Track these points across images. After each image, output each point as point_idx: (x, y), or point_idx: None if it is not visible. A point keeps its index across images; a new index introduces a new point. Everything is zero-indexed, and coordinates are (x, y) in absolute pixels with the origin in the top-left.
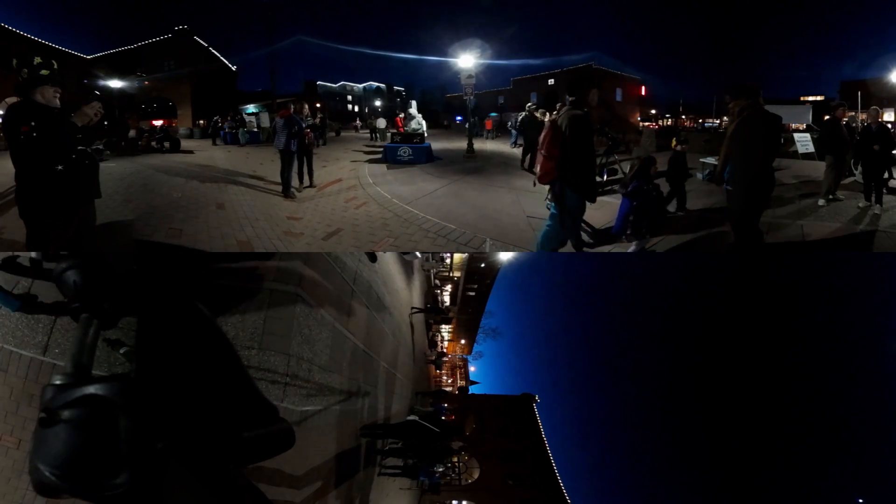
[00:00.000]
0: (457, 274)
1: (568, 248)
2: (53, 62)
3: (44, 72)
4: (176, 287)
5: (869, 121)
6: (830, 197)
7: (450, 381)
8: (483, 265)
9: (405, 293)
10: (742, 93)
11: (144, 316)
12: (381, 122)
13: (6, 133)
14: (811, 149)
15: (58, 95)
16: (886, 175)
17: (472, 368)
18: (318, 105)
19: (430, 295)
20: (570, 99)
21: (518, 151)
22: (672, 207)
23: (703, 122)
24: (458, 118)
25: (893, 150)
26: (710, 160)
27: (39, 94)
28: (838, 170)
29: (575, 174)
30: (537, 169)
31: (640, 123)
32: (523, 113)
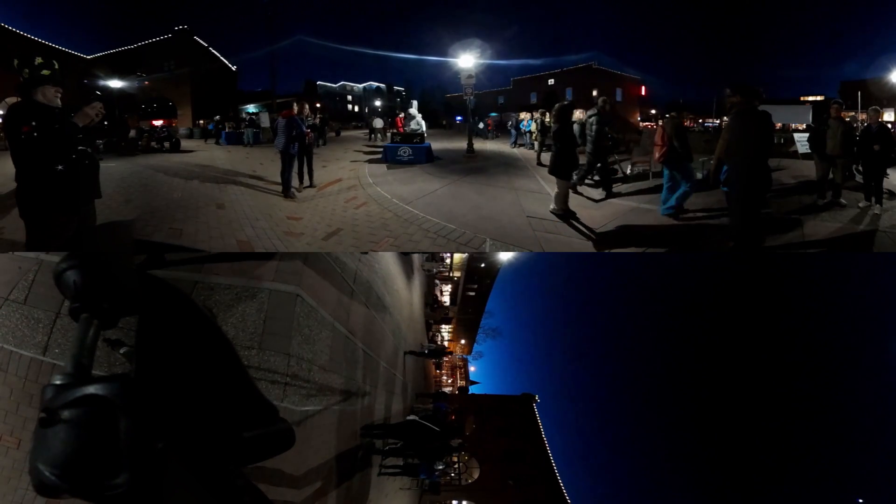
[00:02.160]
0: (457, 274)
1: (568, 247)
2: (54, 62)
3: (45, 72)
4: (176, 287)
5: (869, 121)
6: (829, 196)
7: (450, 381)
8: (483, 265)
9: (405, 293)
10: (738, 90)
11: (144, 316)
12: (378, 122)
13: (7, 133)
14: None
15: (59, 95)
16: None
17: (472, 368)
18: (318, 105)
19: (432, 296)
20: (673, 113)
21: (518, 151)
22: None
23: (704, 122)
24: (458, 118)
25: (893, 150)
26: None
27: (41, 93)
28: (824, 168)
29: (681, 152)
30: (656, 155)
31: (640, 123)
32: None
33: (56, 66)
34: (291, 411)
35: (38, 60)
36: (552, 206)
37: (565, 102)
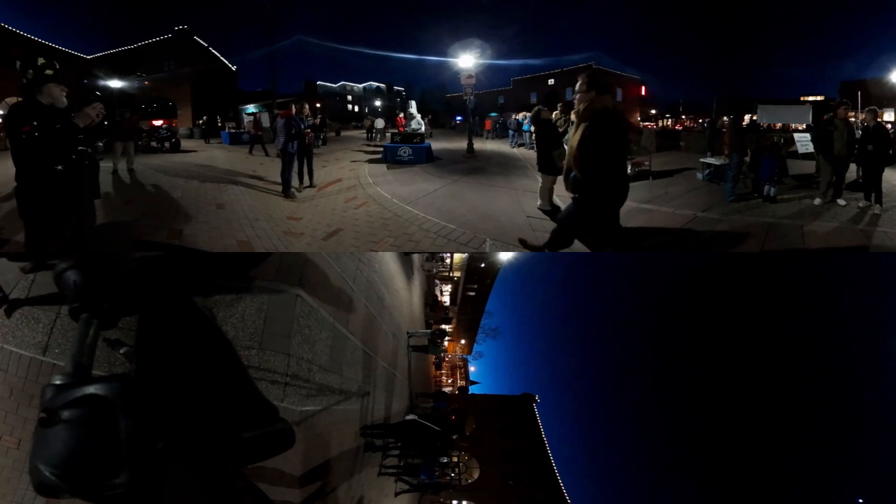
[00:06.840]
0: (457, 274)
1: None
2: (55, 61)
3: (48, 71)
4: (176, 287)
5: (866, 121)
6: (829, 196)
7: (450, 381)
8: (483, 265)
9: (405, 293)
10: (596, 85)
11: (144, 316)
12: (380, 122)
13: (7, 132)
14: (811, 149)
15: (64, 93)
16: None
17: (472, 368)
18: (318, 105)
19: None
20: (732, 117)
21: (518, 151)
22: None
23: (704, 122)
24: (459, 118)
25: (890, 149)
26: (711, 160)
27: (46, 93)
28: (828, 168)
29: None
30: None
31: (640, 123)
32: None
33: (57, 66)
34: (291, 411)
35: (41, 61)
36: (538, 202)
37: (540, 107)
